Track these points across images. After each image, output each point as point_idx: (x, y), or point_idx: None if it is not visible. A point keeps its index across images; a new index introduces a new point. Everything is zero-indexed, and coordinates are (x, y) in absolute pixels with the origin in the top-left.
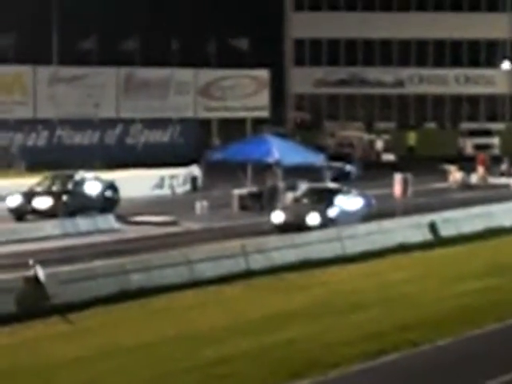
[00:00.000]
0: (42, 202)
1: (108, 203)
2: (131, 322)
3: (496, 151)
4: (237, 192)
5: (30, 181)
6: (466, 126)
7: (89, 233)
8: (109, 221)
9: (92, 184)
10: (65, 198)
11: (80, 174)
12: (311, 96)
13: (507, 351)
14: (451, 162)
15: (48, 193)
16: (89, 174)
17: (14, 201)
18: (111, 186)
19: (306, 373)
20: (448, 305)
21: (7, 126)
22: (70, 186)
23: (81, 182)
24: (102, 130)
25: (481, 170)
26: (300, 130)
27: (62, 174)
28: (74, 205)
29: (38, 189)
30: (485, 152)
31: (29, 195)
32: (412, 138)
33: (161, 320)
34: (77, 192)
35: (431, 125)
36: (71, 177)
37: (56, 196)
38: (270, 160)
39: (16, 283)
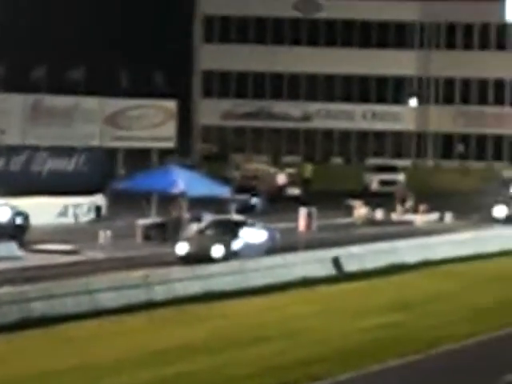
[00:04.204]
0: None
1: (17, 230)
2: (32, 351)
3: (403, 187)
4: (141, 222)
5: None
6: (372, 161)
7: None
8: (11, 248)
9: (2, 210)
10: None
11: None
12: (218, 128)
13: None
14: (356, 197)
15: None
16: None
17: None
18: (21, 213)
19: None
20: (351, 340)
21: None
22: None
23: None
24: (7, 157)
25: (400, 206)
26: (206, 161)
27: None
28: None
29: None
30: (399, 187)
31: None
32: (308, 170)
33: (62, 349)
34: None
35: (337, 160)
36: None
37: None
38: (175, 191)
39: None
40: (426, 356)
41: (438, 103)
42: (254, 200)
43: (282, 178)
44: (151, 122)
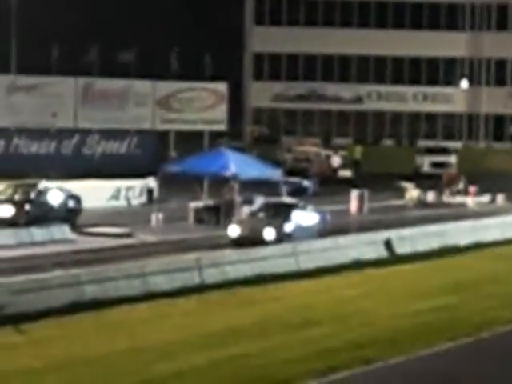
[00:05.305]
0: (5, 211)
1: (70, 213)
2: (84, 334)
3: (454, 169)
4: (193, 205)
5: None
6: (423, 143)
7: (44, 243)
8: (64, 231)
9: (55, 194)
10: (27, 207)
11: (43, 184)
12: (269, 110)
13: (459, 370)
14: (408, 179)
15: (10, 201)
16: (52, 184)
17: None
18: (73, 197)
19: None
20: (402, 323)
21: None
22: (32, 195)
23: (44, 192)
24: (59, 140)
25: (447, 189)
26: (257, 144)
27: (25, 183)
28: (35, 214)
29: (1, 197)
30: (447, 170)
31: None
32: (357, 151)
33: (114, 333)
34: (39, 201)
35: (388, 141)
36: (34, 186)
37: (18, 205)
38: (227, 174)
39: None
40: (477, 339)
41: (489, 84)
42: (306, 182)
43: (336, 160)
44: (203, 104)
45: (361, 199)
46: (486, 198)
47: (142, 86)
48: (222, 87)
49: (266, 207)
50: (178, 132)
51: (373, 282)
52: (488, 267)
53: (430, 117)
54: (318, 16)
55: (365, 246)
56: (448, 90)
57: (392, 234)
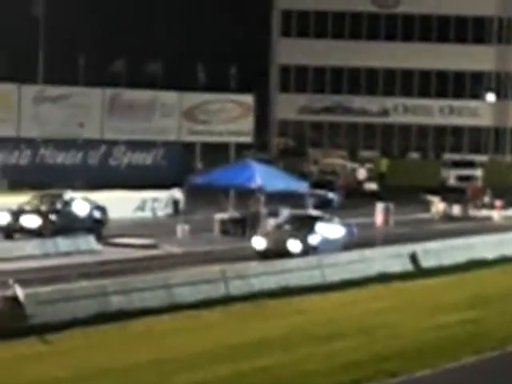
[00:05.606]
0: (31, 221)
1: (96, 224)
2: (109, 345)
3: (479, 183)
4: (218, 217)
5: (13, 200)
6: (449, 157)
7: (69, 253)
8: (89, 242)
9: (80, 204)
10: (53, 217)
11: (69, 194)
12: (295, 123)
13: None
14: (434, 192)
15: (36, 212)
16: (77, 194)
17: (2, 219)
18: (99, 207)
19: None
20: (427, 336)
21: None
22: (58, 206)
23: (69, 202)
24: (85, 151)
25: (472, 203)
26: (283, 156)
27: (51, 193)
28: (61, 224)
29: (27, 207)
30: (472, 184)
31: (17, 213)
32: (383, 164)
33: (138, 344)
34: (65, 212)
35: (414, 155)
36: (60, 196)
37: (44, 215)
38: (253, 186)
39: None
40: (503, 353)
41: None
42: (331, 195)
43: (362, 173)
44: (229, 116)
45: (386, 212)
46: (511, 211)
47: (168, 97)
48: (248, 99)
49: (292, 219)
50: (204, 143)
51: (398, 295)
52: None
53: (457, 130)
54: (344, 29)
55: (390, 259)
56: (474, 103)
57: (417, 247)
